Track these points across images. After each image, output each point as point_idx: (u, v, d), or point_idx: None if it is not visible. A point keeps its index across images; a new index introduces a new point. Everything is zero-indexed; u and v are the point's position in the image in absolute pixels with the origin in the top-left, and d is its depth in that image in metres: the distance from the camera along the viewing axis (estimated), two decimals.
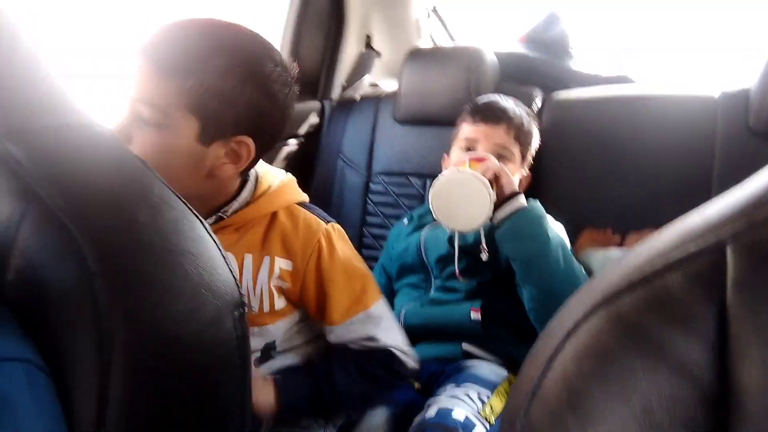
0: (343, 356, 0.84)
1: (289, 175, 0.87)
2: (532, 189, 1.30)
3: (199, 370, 0.42)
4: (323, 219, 0.84)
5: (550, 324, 0.33)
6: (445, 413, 0.88)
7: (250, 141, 0.72)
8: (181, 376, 0.41)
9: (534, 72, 1.52)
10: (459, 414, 0.88)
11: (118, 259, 0.39)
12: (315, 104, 1.66)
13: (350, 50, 1.70)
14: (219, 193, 0.79)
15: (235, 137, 0.71)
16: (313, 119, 1.65)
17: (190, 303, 0.42)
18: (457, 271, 1.14)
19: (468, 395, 0.94)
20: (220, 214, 0.79)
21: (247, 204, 0.80)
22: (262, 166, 0.85)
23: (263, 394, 0.77)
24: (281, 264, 0.80)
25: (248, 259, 0.80)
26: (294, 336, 0.87)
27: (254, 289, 0.80)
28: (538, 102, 1.42)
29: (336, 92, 1.69)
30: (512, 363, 1.07)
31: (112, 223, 0.40)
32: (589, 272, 1.11)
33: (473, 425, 0.87)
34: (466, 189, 0.99)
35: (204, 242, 0.45)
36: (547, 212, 1.21)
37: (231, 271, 0.46)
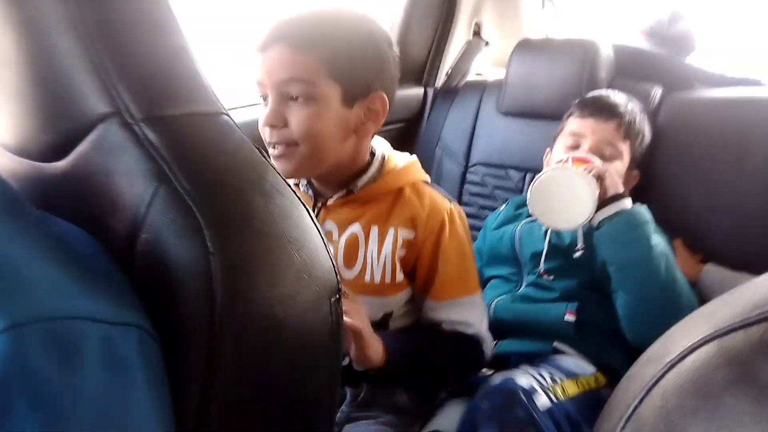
0: (439, 334, 0.87)
1: (414, 156, 0.92)
2: (640, 192, 1.23)
3: (297, 352, 0.45)
4: (447, 198, 0.89)
5: (652, 349, 0.32)
6: (508, 379, 0.86)
7: (383, 95, 0.80)
8: (281, 356, 0.44)
9: (654, 68, 1.42)
10: (523, 381, 0.85)
11: (233, 242, 0.42)
12: (418, 90, 1.66)
13: (458, 38, 1.67)
14: (355, 158, 0.85)
15: (370, 94, 0.79)
16: (416, 105, 1.66)
17: (292, 287, 0.44)
18: (542, 268, 1.10)
19: (540, 374, 0.91)
20: (350, 188, 0.85)
21: (375, 180, 0.85)
22: (388, 149, 0.91)
23: (373, 349, 0.79)
24: (404, 234, 0.85)
25: (374, 231, 0.85)
26: (405, 315, 0.91)
27: (378, 259, 0.85)
28: (656, 100, 1.33)
29: (441, 80, 1.68)
30: (602, 365, 1.03)
31: (229, 208, 0.43)
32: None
33: (535, 392, 0.84)
34: (570, 187, 0.95)
35: (309, 231, 0.47)
36: (657, 217, 1.15)
37: (331, 260, 0.48)
